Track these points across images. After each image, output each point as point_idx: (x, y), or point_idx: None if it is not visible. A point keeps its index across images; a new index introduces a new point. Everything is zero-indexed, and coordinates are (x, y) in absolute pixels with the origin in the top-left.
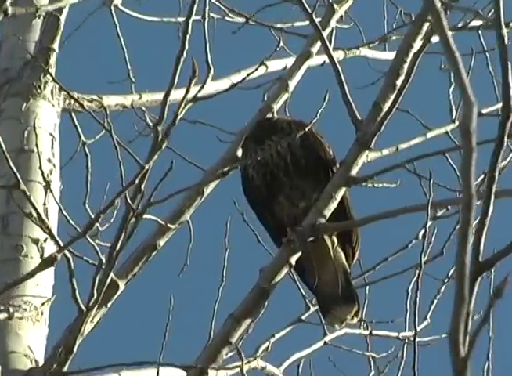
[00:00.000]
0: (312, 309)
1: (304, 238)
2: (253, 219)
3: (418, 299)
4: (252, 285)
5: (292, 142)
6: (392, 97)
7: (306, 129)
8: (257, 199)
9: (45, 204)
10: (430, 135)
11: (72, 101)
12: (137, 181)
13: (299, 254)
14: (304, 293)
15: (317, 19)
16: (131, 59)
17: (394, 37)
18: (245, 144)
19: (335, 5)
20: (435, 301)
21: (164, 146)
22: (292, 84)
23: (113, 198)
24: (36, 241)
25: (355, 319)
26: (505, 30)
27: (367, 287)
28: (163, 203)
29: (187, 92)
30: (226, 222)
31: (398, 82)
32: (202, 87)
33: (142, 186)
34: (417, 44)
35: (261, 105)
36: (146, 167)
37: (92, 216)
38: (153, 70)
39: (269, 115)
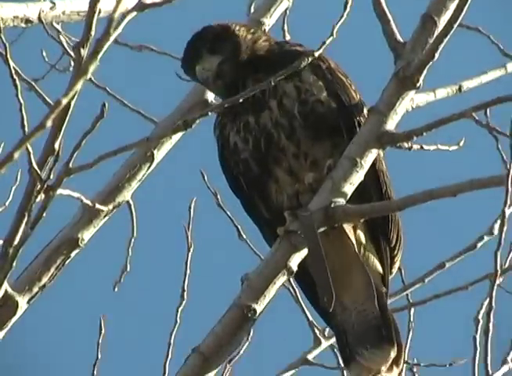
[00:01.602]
0: (325, 343)
1: (311, 228)
2: (232, 201)
3: (491, 328)
4: (229, 302)
5: (301, 85)
6: (453, 6)
7: (320, 61)
8: (244, 178)
9: None
10: (511, 67)
11: None
12: (49, 122)
13: (304, 253)
14: (311, 318)
15: None
16: None
17: None
18: (218, 84)
19: None
20: None
21: (90, 71)
22: None
23: (8, 153)
24: None
25: (396, 371)
26: None
27: (412, 310)
28: (89, 170)
29: None
30: (189, 206)
31: None
32: None
33: (56, 143)
34: None
35: (246, 20)
36: (63, 103)
37: None
38: None
39: (259, 37)
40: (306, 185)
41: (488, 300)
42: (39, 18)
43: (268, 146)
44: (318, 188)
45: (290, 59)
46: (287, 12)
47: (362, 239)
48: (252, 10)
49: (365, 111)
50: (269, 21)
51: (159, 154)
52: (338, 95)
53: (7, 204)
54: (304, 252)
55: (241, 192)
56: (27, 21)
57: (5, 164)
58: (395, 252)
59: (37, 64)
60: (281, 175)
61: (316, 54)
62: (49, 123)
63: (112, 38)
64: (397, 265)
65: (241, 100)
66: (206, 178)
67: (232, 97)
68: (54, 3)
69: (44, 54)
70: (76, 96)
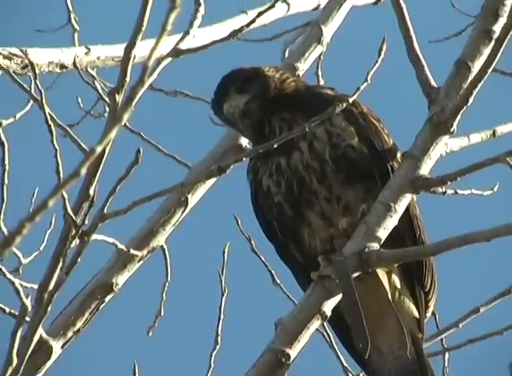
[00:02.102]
0: None
1: (345, 273)
2: (265, 246)
3: None
4: (262, 347)
5: (332, 129)
6: (487, 52)
7: (352, 106)
8: (277, 223)
9: None
10: None
11: None
12: (83, 174)
13: (337, 298)
14: (345, 363)
15: None
16: None
17: None
18: (245, 123)
19: None
20: None
21: (124, 119)
22: (328, 32)
23: (43, 201)
24: None
25: None
26: None
27: (446, 355)
28: (123, 216)
29: (159, 40)
30: (223, 251)
31: (497, 28)
32: (186, 33)
33: (91, 189)
34: None
35: (280, 65)
36: (99, 149)
37: (10, 231)
38: (108, 11)
39: (288, 77)
40: (340, 229)
41: None
42: (74, 63)
43: (300, 188)
44: (351, 233)
45: (319, 101)
46: (321, 57)
47: (397, 284)
48: (286, 55)
49: (398, 156)
50: (303, 66)
51: (193, 199)
52: (371, 140)
53: (41, 248)
54: (338, 297)
55: (275, 237)
56: (62, 66)
57: (40, 212)
58: (430, 297)
59: (72, 110)
60: (314, 219)
61: (350, 100)
62: (84, 171)
63: (146, 86)
64: (431, 310)
65: (275, 146)
66: (240, 222)
67: (260, 137)
68: (89, 48)
69: (79, 100)
70: (110, 144)
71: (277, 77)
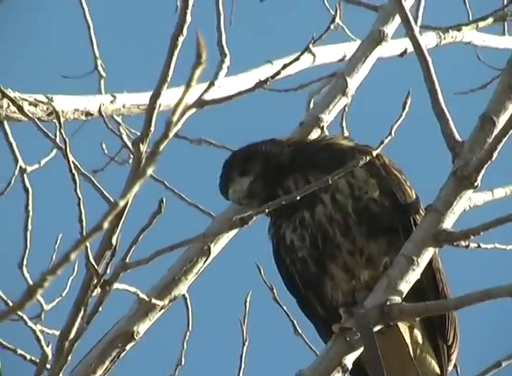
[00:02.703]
0: None
1: (367, 326)
2: (288, 296)
3: None
4: None
5: (353, 181)
6: None
7: (374, 158)
8: (299, 276)
9: None
10: None
11: (6, 103)
12: (106, 224)
13: (359, 352)
14: None
15: None
16: (100, 41)
17: None
18: (253, 203)
19: None
20: None
21: (148, 173)
22: (353, 83)
23: (65, 254)
24: None
25: None
26: None
27: None
28: (145, 265)
29: (186, 90)
30: (245, 300)
31: None
32: (211, 84)
33: (114, 239)
34: None
35: (305, 115)
36: (122, 203)
37: (32, 284)
38: (134, 58)
39: (316, 133)
40: (362, 282)
41: None
42: (99, 111)
43: (324, 242)
44: (373, 285)
45: (330, 155)
46: (346, 108)
47: (419, 338)
48: (311, 106)
49: (421, 209)
50: (328, 117)
51: (215, 248)
52: (393, 192)
53: (64, 294)
54: (360, 350)
55: (296, 290)
56: (88, 114)
57: (62, 265)
58: (452, 350)
59: (97, 156)
60: (336, 272)
61: (374, 153)
62: (106, 225)
63: (170, 138)
64: (453, 363)
65: (298, 198)
66: (262, 271)
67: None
68: (115, 96)
69: (103, 146)
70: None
71: (276, 149)
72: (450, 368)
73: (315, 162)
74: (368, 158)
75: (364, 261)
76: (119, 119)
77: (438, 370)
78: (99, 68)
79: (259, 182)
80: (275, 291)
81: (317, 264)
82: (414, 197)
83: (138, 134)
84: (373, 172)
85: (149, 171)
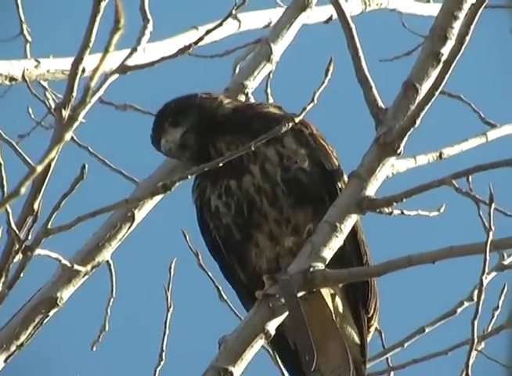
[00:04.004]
0: None
1: (290, 292)
2: (213, 262)
3: None
4: (207, 364)
5: (283, 151)
6: (435, 74)
7: (303, 127)
8: (224, 243)
9: None
10: (492, 135)
11: None
12: (23, 189)
13: (282, 318)
14: None
15: None
16: (26, 5)
17: None
18: (185, 155)
19: None
20: None
21: (66, 138)
22: (278, 50)
23: None
24: None
25: None
26: None
27: (391, 374)
28: (69, 231)
29: (104, 56)
30: (170, 266)
31: (445, 51)
32: (134, 50)
33: (36, 204)
34: None
35: (229, 82)
36: (39, 168)
37: None
38: (60, 25)
39: (222, 100)
40: (286, 248)
41: (464, 368)
42: (23, 76)
43: (250, 211)
44: (297, 252)
45: (263, 120)
46: (270, 75)
47: (340, 308)
48: (236, 72)
49: (345, 177)
50: (252, 84)
51: (140, 214)
52: (321, 162)
53: None
54: (283, 316)
55: (220, 256)
56: (12, 79)
57: None
58: (372, 322)
59: (25, 121)
60: (262, 239)
61: (297, 120)
62: (23, 190)
63: (89, 105)
64: (371, 335)
65: (221, 164)
66: (187, 237)
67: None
68: (39, 61)
69: (30, 111)
70: (54, 161)
71: (212, 104)
72: (371, 331)
73: (249, 128)
74: (290, 125)
75: (290, 229)
76: (45, 84)
77: (357, 340)
78: (25, 32)
79: (192, 133)
80: (200, 257)
81: (242, 232)
82: (339, 166)
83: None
84: (302, 142)
85: (68, 137)
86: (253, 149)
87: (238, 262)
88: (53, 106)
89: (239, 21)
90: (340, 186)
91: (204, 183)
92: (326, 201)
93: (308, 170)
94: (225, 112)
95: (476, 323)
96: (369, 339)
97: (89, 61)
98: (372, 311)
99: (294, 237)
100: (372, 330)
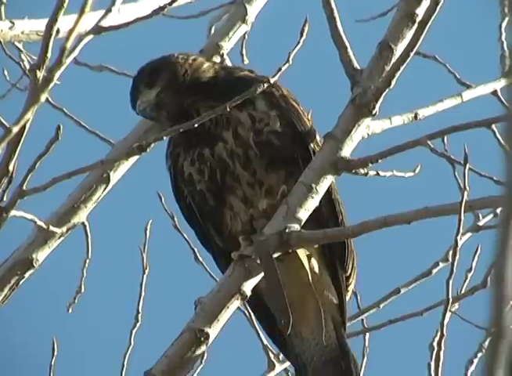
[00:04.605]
0: (279, 367)
1: (266, 253)
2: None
3: (442, 356)
4: (182, 326)
5: (255, 114)
6: (410, 34)
7: (273, 88)
8: (198, 209)
9: None
10: (467, 95)
11: None
12: (0, 155)
13: (257, 278)
14: (266, 342)
15: None
16: None
17: None
18: (162, 115)
19: None
20: (475, 360)
21: (42, 99)
22: (253, 11)
23: None
24: None
25: None
26: None
27: (367, 336)
28: (43, 192)
29: (80, 17)
30: (145, 228)
31: (420, 11)
32: (108, 11)
33: (11, 165)
34: None
35: (205, 43)
36: (15, 129)
37: None
38: None
39: (201, 62)
40: (260, 210)
41: (439, 328)
42: None
43: (223, 176)
44: (272, 214)
45: (241, 85)
46: (246, 36)
47: (316, 268)
48: (211, 32)
49: (318, 138)
50: (228, 45)
51: (115, 176)
52: (293, 124)
53: None
54: (258, 277)
55: (195, 221)
56: None
57: None
58: (349, 281)
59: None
60: (235, 203)
61: (272, 80)
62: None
63: (66, 64)
64: (349, 294)
65: (196, 125)
66: (163, 199)
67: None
68: (13, 23)
69: (5, 73)
70: (29, 122)
71: (188, 64)
72: (348, 293)
73: (234, 93)
74: (266, 86)
75: (263, 191)
76: (20, 46)
77: (335, 300)
78: None
79: (168, 92)
80: (176, 218)
81: (215, 197)
82: (312, 127)
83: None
84: (274, 103)
85: (43, 98)
86: (228, 109)
87: (213, 226)
88: (28, 67)
89: None
90: (312, 146)
91: (177, 150)
92: (299, 163)
93: (279, 132)
94: (205, 76)
95: (451, 283)
96: (347, 299)
97: (64, 22)
98: (350, 270)
99: (268, 199)
100: (350, 289)
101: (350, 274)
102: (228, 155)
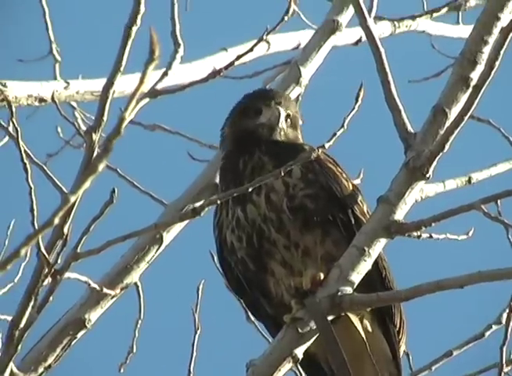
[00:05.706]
0: None
1: (320, 314)
2: None
3: None
4: None
5: (289, 181)
6: (464, 98)
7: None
8: (244, 278)
9: None
10: None
11: None
12: (57, 219)
13: (310, 341)
14: None
15: None
16: (56, 26)
17: (472, 3)
18: (224, 170)
19: None
20: None
21: (101, 165)
22: (307, 72)
23: (17, 247)
24: None
25: None
26: None
27: None
28: (97, 255)
29: (142, 80)
30: (197, 288)
31: (475, 75)
32: (165, 74)
33: (65, 228)
34: (506, 15)
35: None
36: (73, 199)
37: None
38: (89, 44)
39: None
40: (306, 278)
41: None
42: (52, 98)
43: (260, 241)
44: (320, 280)
45: (292, 150)
46: (299, 98)
47: (369, 327)
48: None
49: (360, 199)
50: None
51: (168, 236)
52: (329, 186)
53: (16, 280)
54: (310, 341)
55: (243, 291)
56: (41, 100)
57: (12, 260)
58: (400, 335)
59: (54, 140)
60: (276, 267)
61: (327, 145)
62: (56, 220)
63: (122, 134)
64: (402, 349)
65: (250, 189)
66: (215, 259)
67: (233, 168)
68: (68, 83)
69: (59, 130)
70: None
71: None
72: (401, 352)
73: (280, 154)
74: (320, 151)
75: (300, 253)
76: (74, 104)
77: (390, 355)
78: (54, 52)
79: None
80: None
81: (255, 263)
82: (351, 188)
83: (93, 118)
84: (309, 168)
85: (101, 168)
86: (282, 174)
87: (262, 295)
88: (82, 125)
89: (268, 43)
90: (353, 209)
91: (222, 218)
92: (338, 225)
93: (314, 195)
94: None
95: (505, 347)
96: (401, 353)
97: (119, 82)
98: (399, 324)
99: (312, 266)
100: (402, 343)
101: (400, 328)
102: (262, 220)
